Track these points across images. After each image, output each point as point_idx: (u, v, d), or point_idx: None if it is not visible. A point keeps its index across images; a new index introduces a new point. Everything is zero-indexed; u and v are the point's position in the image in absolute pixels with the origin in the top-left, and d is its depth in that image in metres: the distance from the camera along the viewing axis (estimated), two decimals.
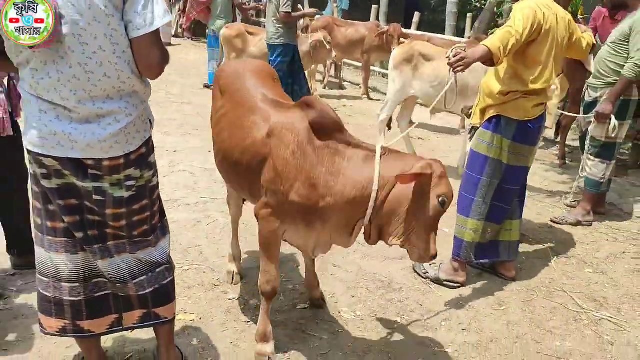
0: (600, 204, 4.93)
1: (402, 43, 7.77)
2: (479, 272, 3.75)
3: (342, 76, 10.75)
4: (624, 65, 4.24)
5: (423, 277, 3.61)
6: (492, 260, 3.63)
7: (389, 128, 6.31)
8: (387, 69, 8.84)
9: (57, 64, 1.90)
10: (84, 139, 1.99)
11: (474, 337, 3.06)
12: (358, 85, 10.45)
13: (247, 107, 2.68)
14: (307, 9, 8.31)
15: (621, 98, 4.33)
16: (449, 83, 3.25)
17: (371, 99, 9.51)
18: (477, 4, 14.31)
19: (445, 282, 3.54)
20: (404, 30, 8.95)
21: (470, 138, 3.63)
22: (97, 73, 1.94)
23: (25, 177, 3.22)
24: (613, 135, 4.40)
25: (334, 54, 8.44)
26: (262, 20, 13.79)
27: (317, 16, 9.01)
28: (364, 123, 7.64)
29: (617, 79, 4.28)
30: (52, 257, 2.17)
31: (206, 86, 9.03)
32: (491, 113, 3.32)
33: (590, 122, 4.56)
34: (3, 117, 2.88)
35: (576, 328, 3.23)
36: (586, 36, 3.46)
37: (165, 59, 2.03)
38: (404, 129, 5.81)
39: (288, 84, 6.49)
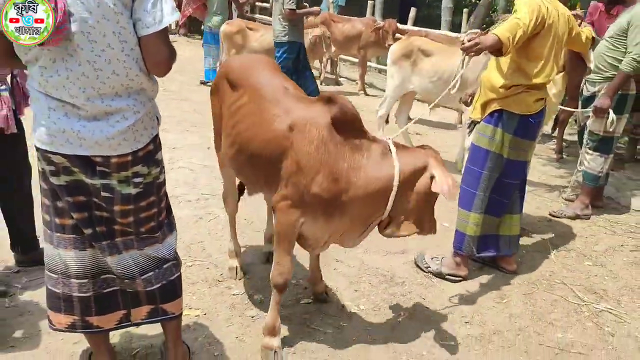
0: (598, 197, 4.97)
1: (397, 38, 7.80)
2: (480, 265, 3.78)
3: (338, 72, 10.75)
4: (622, 60, 4.27)
5: (425, 272, 3.63)
6: (492, 255, 3.66)
7: (387, 122, 6.33)
8: (384, 65, 8.83)
9: (66, 62, 1.91)
10: (92, 136, 2.00)
11: (476, 330, 3.09)
12: (354, 81, 10.45)
13: (267, 100, 2.68)
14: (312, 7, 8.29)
15: (619, 92, 4.37)
16: (463, 67, 3.25)
17: (368, 95, 9.52)
18: None
19: (447, 277, 3.57)
20: (400, 26, 8.97)
21: (470, 132, 3.65)
22: (106, 70, 1.95)
23: (28, 174, 3.25)
24: (611, 130, 4.44)
25: (333, 49, 8.44)
26: (256, 16, 13.79)
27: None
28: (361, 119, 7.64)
29: (615, 73, 4.31)
30: (60, 254, 2.19)
31: (202, 83, 9.02)
32: (493, 107, 3.34)
33: (589, 116, 4.60)
34: (7, 115, 2.89)
35: (577, 320, 3.27)
36: (585, 30, 3.49)
37: (173, 56, 2.05)
38: (402, 125, 5.83)
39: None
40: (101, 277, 2.26)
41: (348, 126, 2.52)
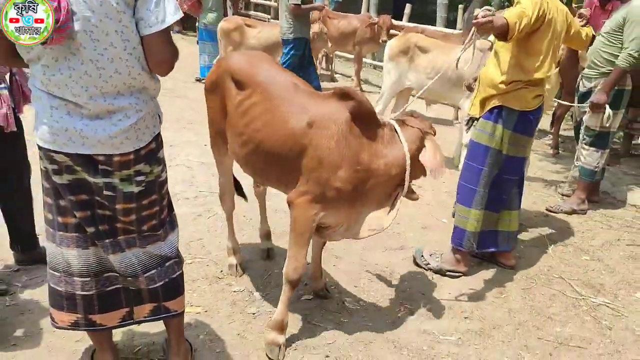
0: (594, 192, 5.01)
1: (391, 34, 7.80)
2: (479, 261, 3.80)
3: (333, 68, 10.75)
4: (618, 56, 4.29)
5: (425, 269, 3.64)
6: (491, 250, 3.68)
7: None
8: (379, 61, 8.81)
9: (68, 61, 1.91)
10: (94, 135, 2.00)
11: (476, 325, 3.11)
12: (349, 77, 10.45)
13: (279, 97, 2.70)
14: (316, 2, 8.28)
15: (615, 88, 4.39)
16: (472, 42, 3.22)
17: (363, 91, 9.51)
18: None
19: (448, 273, 3.59)
20: (394, 22, 8.98)
21: (468, 129, 3.66)
22: (109, 69, 1.95)
23: (28, 172, 3.24)
24: (607, 125, 4.47)
25: (329, 44, 8.43)
26: (251, 12, 13.77)
27: None
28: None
29: (611, 69, 4.34)
30: (63, 252, 2.19)
31: (198, 80, 9.00)
32: (492, 103, 3.36)
33: (585, 111, 4.62)
34: (7, 113, 2.88)
35: (575, 314, 3.29)
36: (587, 29, 3.50)
37: (175, 55, 2.05)
38: None
39: None
40: (104, 276, 2.27)
41: (365, 118, 2.61)
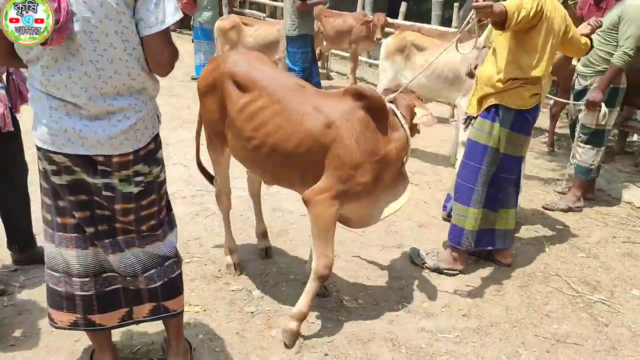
0: (590, 190, 5.03)
1: (386, 33, 7.80)
2: (476, 259, 3.81)
3: (328, 66, 10.75)
4: (613, 54, 4.31)
5: (422, 267, 3.66)
6: (489, 249, 3.70)
7: None
8: (375, 59, 8.80)
9: (68, 61, 1.91)
10: (94, 136, 2.00)
11: (474, 323, 3.13)
12: (345, 75, 10.45)
13: (289, 99, 2.75)
14: None
15: (610, 86, 4.41)
16: (469, 23, 3.19)
17: None
18: None
19: (445, 271, 3.60)
20: (389, 20, 8.99)
21: (466, 128, 3.67)
22: (108, 70, 1.95)
23: (25, 172, 3.23)
24: (603, 123, 4.49)
25: (324, 43, 8.43)
26: (246, 10, 13.73)
27: None
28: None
29: (607, 67, 4.36)
30: (62, 253, 2.19)
31: (193, 78, 8.98)
32: (489, 102, 3.37)
33: (580, 109, 4.64)
34: (4, 113, 2.87)
35: (572, 311, 3.31)
36: (585, 38, 3.49)
37: (175, 55, 2.05)
38: None
39: (298, 74, 6.72)
40: (103, 276, 2.27)
41: (377, 112, 2.75)
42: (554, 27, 3.21)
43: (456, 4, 10.51)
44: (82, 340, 2.66)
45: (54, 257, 2.22)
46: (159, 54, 2.01)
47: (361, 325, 3.02)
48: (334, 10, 9.74)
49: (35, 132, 2.03)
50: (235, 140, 2.92)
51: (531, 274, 3.70)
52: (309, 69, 6.97)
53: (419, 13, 15.18)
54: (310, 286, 2.82)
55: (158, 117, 2.24)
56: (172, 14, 1.95)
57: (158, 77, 2.17)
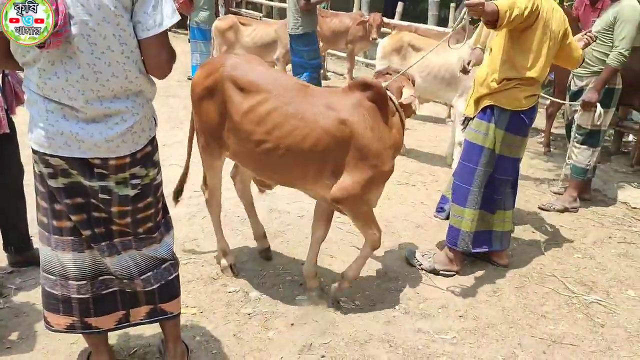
0: (586, 190, 5.04)
1: (382, 33, 7.81)
2: (473, 260, 3.82)
3: (325, 67, 10.74)
4: (609, 54, 4.32)
5: (418, 269, 3.66)
6: (485, 250, 3.70)
7: None
8: (371, 59, 8.81)
9: (65, 64, 1.90)
10: (91, 139, 2.00)
11: (471, 323, 3.13)
12: (341, 75, 10.46)
13: (298, 100, 2.80)
14: None
15: (606, 86, 4.42)
16: (462, 21, 3.18)
17: None
18: None
19: (441, 273, 3.60)
20: (385, 20, 8.99)
21: (464, 129, 3.67)
22: (106, 73, 1.94)
23: (21, 174, 3.23)
24: (598, 123, 4.50)
25: (321, 43, 8.40)
26: (242, 11, 13.72)
27: None
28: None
29: (602, 67, 4.37)
30: (58, 256, 2.19)
31: (189, 79, 8.97)
32: (485, 103, 3.37)
33: (576, 110, 4.65)
34: (0, 115, 2.86)
35: (568, 312, 3.32)
36: (580, 50, 3.49)
37: (173, 58, 2.05)
38: None
39: (299, 73, 6.78)
40: (99, 279, 2.26)
41: (383, 102, 2.90)
42: (551, 29, 3.20)
43: (452, 4, 10.52)
44: (78, 342, 2.66)
45: (50, 261, 2.21)
46: (156, 57, 2.00)
47: (358, 327, 3.02)
48: (329, 10, 9.75)
49: (31, 135, 2.03)
50: (240, 144, 2.90)
51: (527, 275, 3.71)
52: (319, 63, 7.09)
53: (416, 13, 15.21)
54: (363, 256, 3.14)
55: (154, 119, 2.23)
56: (169, 17, 1.95)
57: (154, 78, 2.16)
